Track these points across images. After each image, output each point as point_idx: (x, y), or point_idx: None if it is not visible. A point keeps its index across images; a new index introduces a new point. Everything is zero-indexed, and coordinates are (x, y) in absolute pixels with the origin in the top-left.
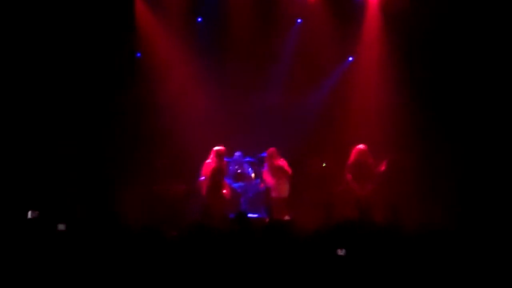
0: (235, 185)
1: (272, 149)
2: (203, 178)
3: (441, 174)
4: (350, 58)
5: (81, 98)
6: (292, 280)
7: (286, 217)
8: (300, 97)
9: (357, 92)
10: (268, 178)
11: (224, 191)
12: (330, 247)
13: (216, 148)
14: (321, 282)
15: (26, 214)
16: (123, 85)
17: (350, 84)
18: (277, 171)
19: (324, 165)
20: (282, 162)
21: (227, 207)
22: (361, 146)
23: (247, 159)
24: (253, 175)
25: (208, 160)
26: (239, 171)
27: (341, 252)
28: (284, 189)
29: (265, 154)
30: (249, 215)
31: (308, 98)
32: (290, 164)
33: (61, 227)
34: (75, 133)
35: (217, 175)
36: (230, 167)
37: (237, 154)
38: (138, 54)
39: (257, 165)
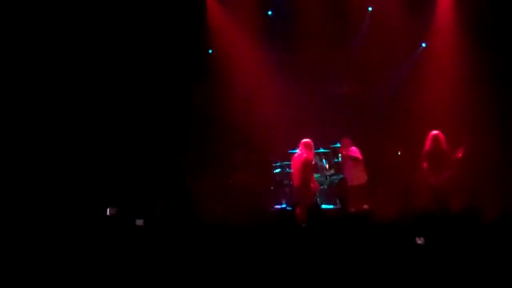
0: (316, 176)
1: (344, 139)
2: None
3: None
4: (423, 45)
5: (157, 95)
6: (371, 269)
7: (365, 206)
8: (374, 86)
9: (431, 78)
10: (343, 167)
11: (312, 184)
12: (409, 236)
13: (304, 140)
14: (400, 271)
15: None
16: (197, 82)
17: (423, 71)
18: (351, 160)
19: (399, 153)
20: (355, 150)
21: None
22: (435, 132)
23: (321, 150)
24: (327, 166)
25: (297, 153)
26: (313, 162)
27: (419, 240)
28: (360, 177)
29: (338, 144)
30: (324, 206)
31: (382, 86)
32: (364, 154)
33: (139, 222)
34: (152, 130)
35: (307, 168)
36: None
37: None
38: (211, 51)
39: (331, 156)
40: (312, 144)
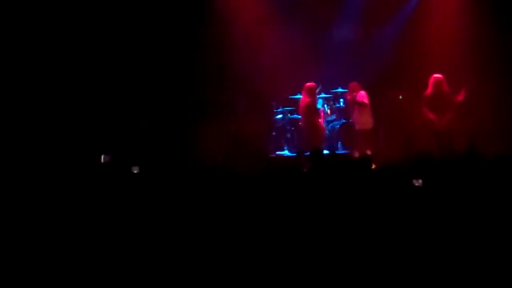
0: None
1: (353, 83)
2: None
3: None
4: None
5: (157, 42)
6: (369, 212)
7: (368, 152)
8: (376, 30)
9: (433, 21)
10: (350, 111)
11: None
12: (408, 179)
13: (307, 84)
14: (398, 214)
15: (100, 158)
16: (198, 28)
17: (425, 14)
18: (357, 105)
19: (400, 97)
20: (362, 95)
21: (322, 143)
22: (437, 75)
23: (322, 95)
24: (328, 111)
25: (301, 98)
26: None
27: (417, 182)
28: (367, 122)
29: (339, 89)
30: (325, 151)
31: (384, 29)
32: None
33: (135, 169)
34: (153, 75)
35: (311, 111)
36: None
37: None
38: None
39: (332, 101)
40: (316, 87)
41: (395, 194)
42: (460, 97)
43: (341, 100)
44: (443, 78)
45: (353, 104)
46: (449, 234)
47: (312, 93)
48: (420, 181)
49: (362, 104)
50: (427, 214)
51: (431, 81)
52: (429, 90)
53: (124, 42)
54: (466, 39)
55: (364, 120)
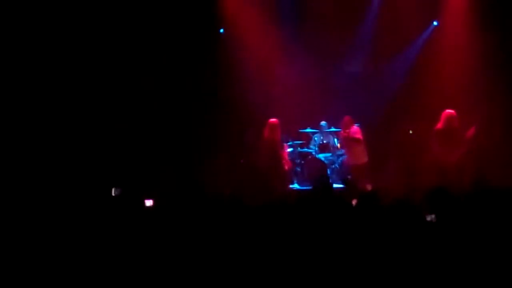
0: (321, 155)
1: (345, 117)
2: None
3: None
4: (435, 23)
5: (169, 75)
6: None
7: (368, 186)
8: (386, 64)
9: (443, 57)
10: (344, 146)
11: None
12: (419, 214)
13: (270, 120)
14: (412, 249)
15: (111, 192)
16: (209, 61)
17: (435, 49)
18: (352, 140)
19: (410, 132)
20: (355, 130)
21: (285, 179)
22: (450, 111)
23: (332, 129)
24: (338, 145)
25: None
26: (324, 141)
27: (430, 218)
28: (361, 156)
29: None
30: (336, 186)
31: (394, 64)
32: (375, 133)
33: (149, 203)
34: (164, 108)
35: (269, 147)
36: (316, 138)
37: (322, 124)
38: (222, 30)
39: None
40: (277, 124)
41: (407, 230)
42: (471, 133)
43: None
44: (455, 114)
45: (346, 138)
46: (462, 270)
47: (271, 129)
48: (433, 216)
49: (355, 140)
50: (440, 249)
51: (443, 116)
52: (440, 125)
53: (137, 75)
54: (477, 73)
55: (357, 155)
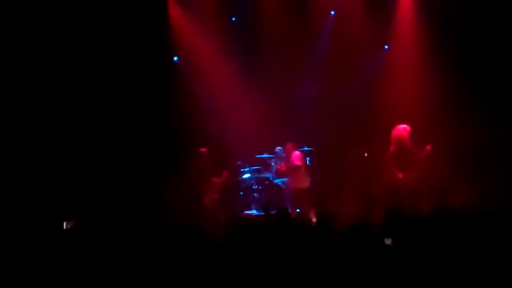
0: (278, 181)
1: (288, 144)
2: None
3: (483, 155)
4: (386, 47)
5: (122, 104)
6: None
7: (311, 212)
8: (339, 88)
9: (395, 80)
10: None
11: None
12: (377, 237)
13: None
14: (369, 272)
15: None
16: (163, 90)
17: (387, 73)
18: (292, 168)
19: (366, 155)
20: (295, 156)
21: (215, 207)
22: (399, 132)
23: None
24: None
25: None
26: (278, 167)
27: (388, 241)
28: (303, 181)
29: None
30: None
31: (346, 88)
32: (330, 156)
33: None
34: (117, 136)
35: (197, 175)
36: (272, 163)
37: (277, 150)
38: (176, 58)
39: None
40: (205, 152)
41: (365, 253)
42: (424, 153)
43: (308, 158)
44: (406, 134)
45: (287, 164)
46: None
47: (200, 157)
48: (391, 239)
49: (295, 167)
50: (398, 272)
51: (393, 138)
52: (392, 147)
53: (85, 103)
54: (428, 97)
55: (299, 180)
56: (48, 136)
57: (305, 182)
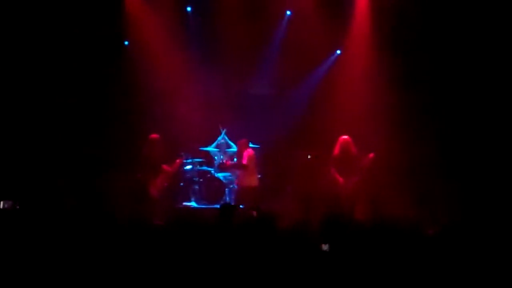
0: (220, 175)
1: (241, 141)
2: None
3: (426, 169)
4: (338, 52)
5: (69, 86)
6: (277, 275)
7: (254, 213)
8: (288, 89)
9: (344, 85)
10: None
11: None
12: (314, 242)
13: (151, 135)
14: (306, 278)
15: None
16: (111, 74)
17: (337, 77)
18: (240, 167)
19: (309, 157)
20: (246, 153)
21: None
22: (345, 137)
23: (233, 148)
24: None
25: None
26: (224, 160)
27: (325, 247)
28: (251, 179)
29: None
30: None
31: (296, 90)
32: (275, 154)
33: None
34: (63, 123)
35: (147, 164)
36: (215, 157)
37: (222, 143)
38: (126, 42)
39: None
40: (157, 139)
41: (302, 258)
42: (367, 160)
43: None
44: (350, 140)
45: (239, 160)
46: None
47: (151, 144)
48: (328, 245)
49: (241, 166)
50: (334, 279)
51: (339, 142)
52: (336, 151)
53: (32, 86)
54: (376, 104)
55: (247, 178)
56: None
57: (252, 180)
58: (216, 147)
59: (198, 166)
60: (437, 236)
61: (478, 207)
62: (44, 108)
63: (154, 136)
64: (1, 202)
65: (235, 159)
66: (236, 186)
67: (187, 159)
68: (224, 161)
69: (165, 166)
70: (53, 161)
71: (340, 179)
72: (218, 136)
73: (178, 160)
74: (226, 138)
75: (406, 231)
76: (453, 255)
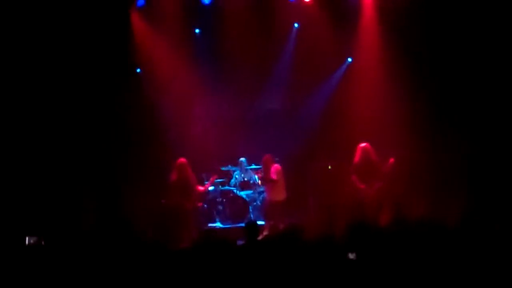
0: (242, 193)
1: (266, 157)
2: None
3: (447, 171)
4: (349, 59)
5: (85, 116)
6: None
7: (280, 224)
8: (303, 101)
9: (358, 92)
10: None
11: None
12: (341, 251)
13: (178, 160)
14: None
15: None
16: (126, 101)
17: (351, 85)
18: (268, 181)
19: (329, 167)
20: (273, 170)
21: (195, 219)
22: (364, 144)
23: (253, 166)
24: (259, 182)
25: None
26: (245, 178)
27: (351, 255)
28: (276, 193)
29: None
30: (259, 222)
31: (310, 101)
32: (294, 168)
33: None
34: (81, 151)
35: (177, 188)
36: (236, 175)
37: (241, 160)
38: (138, 69)
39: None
40: (184, 163)
41: (329, 268)
42: (388, 166)
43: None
44: (369, 147)
45: (263, 180)
46: None
47: (179, 169)
48: (354, 254)
49: (271, 181)
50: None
51: (358, 150)
52: (356, 159)
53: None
54: (392, 109)
55: (274, 192)
56: (10, 150)
57: (281, 195)
58: (236, 165)
59: (220, 186)
60: (459, 236)
61: (498, 209)
62: (63, 139)
63: (182, 160)
64: (27, 238)
65: (255, 177)
66: (259, 203)
67: (207, 180)
68: (254, 175)
69: (198, 187)
70: (73, 188)
71: (362, 186)
72: (236, 154)
73: (212, 178)
74: (245, 162)
75: (429, 234)
76: (475, 256)
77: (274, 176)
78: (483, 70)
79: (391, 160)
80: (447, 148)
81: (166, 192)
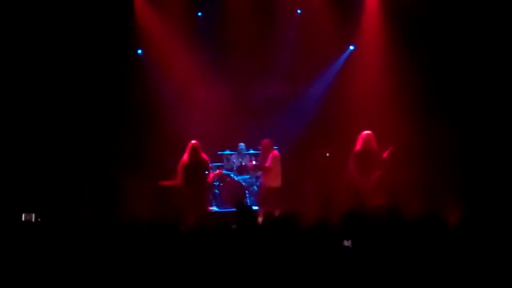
0: (239, 178)
1: (265, 141)
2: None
3: (446, 160)
4: (352, 47)
5: (84, 96)
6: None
7: (276, 211)
8: (303, 88)
9: (359, 80)
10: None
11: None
12: (337, 239)
13: (191, 142)
14: (329, 274)
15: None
16: (126, 83)
17: (352, 73)
18: (262, 169)
19: (328, 155)
20: (271, 155)
21: (204, 202)
22: (367, 132)
23: (251, 151)
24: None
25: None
26: (242, 163)
27: (347, 243)
28: (274, 180)
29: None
30: (255, 208)
31: (311, 88)
32: (293, 155)
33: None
34: (80, 131)
35: (191, 169)
36: (234, 160)
37: (240, 146)
38: (139, 51)
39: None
40: (198, 145)
41: (325, 255)
42: (387, 154)
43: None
44: (372, 135)
45: (263, 161)
46: None
47: (193, 151)
48: (350, 241)
49: (265, 169)
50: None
51: (360, 137)
52: (358, 147)
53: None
54: (392, 98)
55: (270, 179)
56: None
57: (276, 182)
58: (234, 150)
59: (217, 170)
60: (458, 227)
61: (498, 197)
62: (62, 119)
63: (195, 142)
64: (23, 215)
65: (253, 162)
66: (256, 188)
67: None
68: (248, 163)
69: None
70: (71, 169)
71: (361, 174)
72: (234, 139)
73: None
74: (244, 147)
75: (426, 224)
76: (474, 247)
77: (268, 163)
78: (487, 58)
79: (390, 148)
80: (448, 136)
81: (175, 173)
